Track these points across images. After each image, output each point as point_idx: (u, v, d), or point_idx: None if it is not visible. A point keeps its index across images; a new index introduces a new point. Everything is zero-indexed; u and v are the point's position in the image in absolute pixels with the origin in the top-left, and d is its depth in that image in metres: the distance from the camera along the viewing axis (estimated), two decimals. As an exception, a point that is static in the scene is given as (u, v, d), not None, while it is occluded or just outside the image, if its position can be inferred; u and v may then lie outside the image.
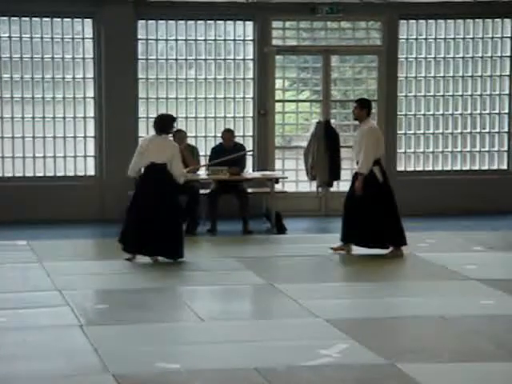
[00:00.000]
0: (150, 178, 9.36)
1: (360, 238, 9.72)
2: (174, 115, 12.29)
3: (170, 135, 9.77)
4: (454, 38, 12.89)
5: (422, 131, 13.02)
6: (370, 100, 10.26)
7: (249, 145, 12.42)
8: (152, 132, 9.72)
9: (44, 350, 6.49)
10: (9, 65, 12.00)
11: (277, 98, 12.68)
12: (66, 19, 12.05)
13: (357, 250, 10.16)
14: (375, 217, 9.63)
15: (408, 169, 13.01)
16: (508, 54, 12.97)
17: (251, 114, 12.57)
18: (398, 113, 12.87)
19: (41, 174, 12.19)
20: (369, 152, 9.62)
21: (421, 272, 9.13)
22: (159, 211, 9.30)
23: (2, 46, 11.97)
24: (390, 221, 9.70)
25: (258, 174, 11.93)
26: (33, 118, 12.13)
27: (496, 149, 13.12)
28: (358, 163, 9.76)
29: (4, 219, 11.59)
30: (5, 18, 11.94)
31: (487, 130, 13.09)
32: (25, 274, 9.03)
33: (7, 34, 11.97)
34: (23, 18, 11.96)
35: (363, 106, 9.78)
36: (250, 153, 12.10)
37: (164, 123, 9.54)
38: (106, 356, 6.24)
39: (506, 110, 13.03)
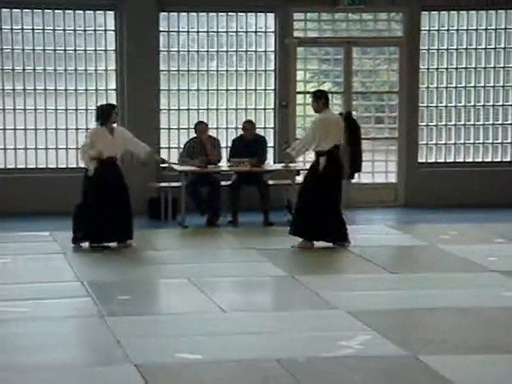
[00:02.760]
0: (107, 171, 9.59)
1: (305, 231, 9.64)
2: (196, 106, 12.48)
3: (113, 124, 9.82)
4: (476, 29, 12.83)
5: (443, 123, 12.98)
6: (325, 90, 10.21)
7: (270, 136, 12.43)
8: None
9: (66, 340, 6.55)
10: (32, 57, 12.06)
11: (298, 89, 12.68)
12: (88, 11, 12.10)
13: (377, 240, 10.16)
14: (312, 209, 9.56)
15: (429, 160, 12.98)
16: (531, 44, 12.90)
17: (272, 106, 12.57)
18: (420, 104, 12.83)
19: (63, 166, 12.26)
20: (305, 139, 9.64)
21: (442, 264, 9.11)
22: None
23: (25, 38, 12.03)
24: (324, 214, 9.56)
25: (278, 166, 11.93)
26: (55, 109, 12.19)
27: (518, 140, 13.07)
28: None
29: (26, 210, 11.67)
30: (28, 10, 11.99)
31: (509, 122, 13.03)
32: (47, 265, 9.10)
33: (30, 27, 12.02)
34: (46, 11, 12.01)
35: (318, 98, 9.71)
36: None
37: (103, 113, 9.69)
38: (128, 346, 6.28)
39: (529, 101, 12.98)
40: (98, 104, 10.72)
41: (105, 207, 9.59)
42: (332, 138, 9.66)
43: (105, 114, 9.73)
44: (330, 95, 10.09)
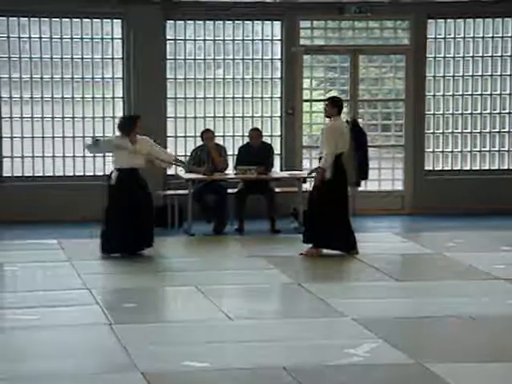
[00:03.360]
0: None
1: (314, 238, 9.66)
2: (202, 114, 12.51)
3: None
4: (482, 37, 12.84)
5: (450, 130, 12.98)
6: (342, 99, 10.27)
7: (276, 144, 12.45)
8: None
9: (73, 348, 6.56)
10: (39, 65, 12.10)
11: (304, 97, 12.70)
12: (95, 20, 12.14)
13: (384, 248, 10.17)
14: (320, 216, 9.59)
15: (436, 168, 12.98)
16: (538, 52, 12.91)
17: (279, 114, 12.60)
18: (426, 112, 12.84)
19: (70, 174, 12.29)
20: (329, 151, 9.61)
21: (449, 272, 9.11)
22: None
23: (33, 46, 12.07)
24: (332, 221, 9.58)
25: (285, 174, 11.95)
26: (62, 117, 12.22)
27: (526, 148, 13.07)
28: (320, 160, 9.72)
29: (34, 218, 11.70)
30: (35, 18, 12.04)
31: (516, 129, 13.05)
32: (55, 273, 9.11)
33: (38, 35, 12.07)
34: (53, 19, 12.05)
35: (334, 105, 9.79)
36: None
37: (126, 124, 9.80)
38: (135, 354, 6.30)
39: (537, 109, 12.98)
40: (121, 115, 10.73)
41: (121, 216, 9.58)
42: (340, 146, 9.70)
43: (127, 125, 9.77)
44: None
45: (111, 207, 9.73)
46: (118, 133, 10.03)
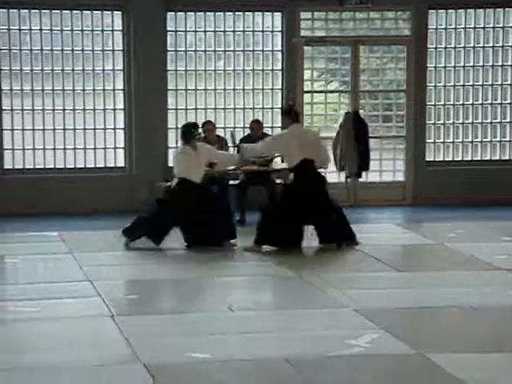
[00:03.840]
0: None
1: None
2: (203, 106, 12.50)
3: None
4: (483, 27, 12.82)
5: (451, 121, 12.97)
6: (291, 105, 10.42)
7: (277, 136, 12.43)
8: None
9: (76, 340, 6.57)
10: (39, 57, 12.09)
11: (305, 88, 12.68)
12: (95, 12, 12.12)
13: (385, 239, 10.17)
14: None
15: (437, 159, 12.97)
16: (540, 42, 12.89)
17: (279, 105, 12.58)
18: (427, 103, 12.83)
19: (71, 166, 12.29)
20: (264, 146, 9.93)
21: (450, 262, 9.11)
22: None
23: (33, 38, 12.06)
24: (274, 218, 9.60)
25: (286, 165, 11.93)
26: (63, 109, 12.21)
27: (527, 138, 13.06)
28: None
29: (35, 211, 11.71)
30: (36, 10, 12.02)
31: (517, 120, 13.04)
32: (56, 265, 9.13)
33: (38, 27, 12.06)
34: (53, 11, 12.04)
35: (286, 116, 9.94)
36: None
37: (186, 132, 9.83)
38: (137, 346, 6.31)
39: (538, 99, 12.97)
40: (182, 123, 10.71)
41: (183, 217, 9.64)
42: (300, 153, 9.63)
43: (188, 133, 9.80)
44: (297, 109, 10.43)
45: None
46: (180, 142, 10.06)
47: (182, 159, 9.82)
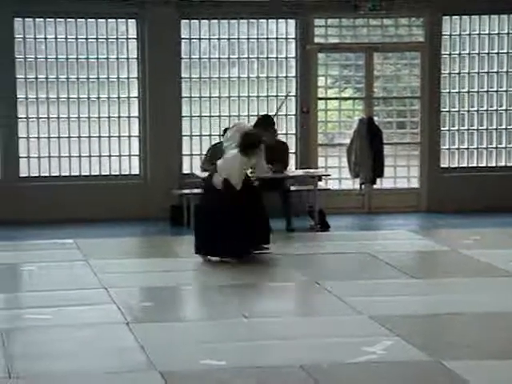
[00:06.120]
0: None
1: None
2: (217, 113, 12.50)
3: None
4: (498, 33, 12.80)
5: (465, 127, 12.95)
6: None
7: (291, 142, 12.45)
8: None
9: (90, 347, 6.58)
10: (55, 66, 12.15)
11: (319, 95, 12.69)
12: (110, 20, 12.18)
13: (400, 246, 10.16)
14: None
15: (452, 165, 12.95)
16: (553, 48, 12.86)
17: (294, 112, 12.60)
18: (442, 109, 12.81)
19: (86, 173, 12.33)
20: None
21: (465, 269, 9.09)
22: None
23: (48, 47, 12.12)
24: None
25: (301, 172, 11.95)
26: (78, 117, 12.27)
27: (542, 145, 13.02)
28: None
29: (50, 218, 11.75)
30: (51, 19, 12.08)
31: (532, 126, 13.00)
32: (71, 272, 9.16)
33: (53, 36, 12.12)
34: (68, 20, 12.11)
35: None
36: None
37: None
38: (152, 353, 6.31)
39: (552, 105, 12.93)
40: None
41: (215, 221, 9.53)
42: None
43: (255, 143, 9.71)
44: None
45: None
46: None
47: (240, 166, 9.64)
